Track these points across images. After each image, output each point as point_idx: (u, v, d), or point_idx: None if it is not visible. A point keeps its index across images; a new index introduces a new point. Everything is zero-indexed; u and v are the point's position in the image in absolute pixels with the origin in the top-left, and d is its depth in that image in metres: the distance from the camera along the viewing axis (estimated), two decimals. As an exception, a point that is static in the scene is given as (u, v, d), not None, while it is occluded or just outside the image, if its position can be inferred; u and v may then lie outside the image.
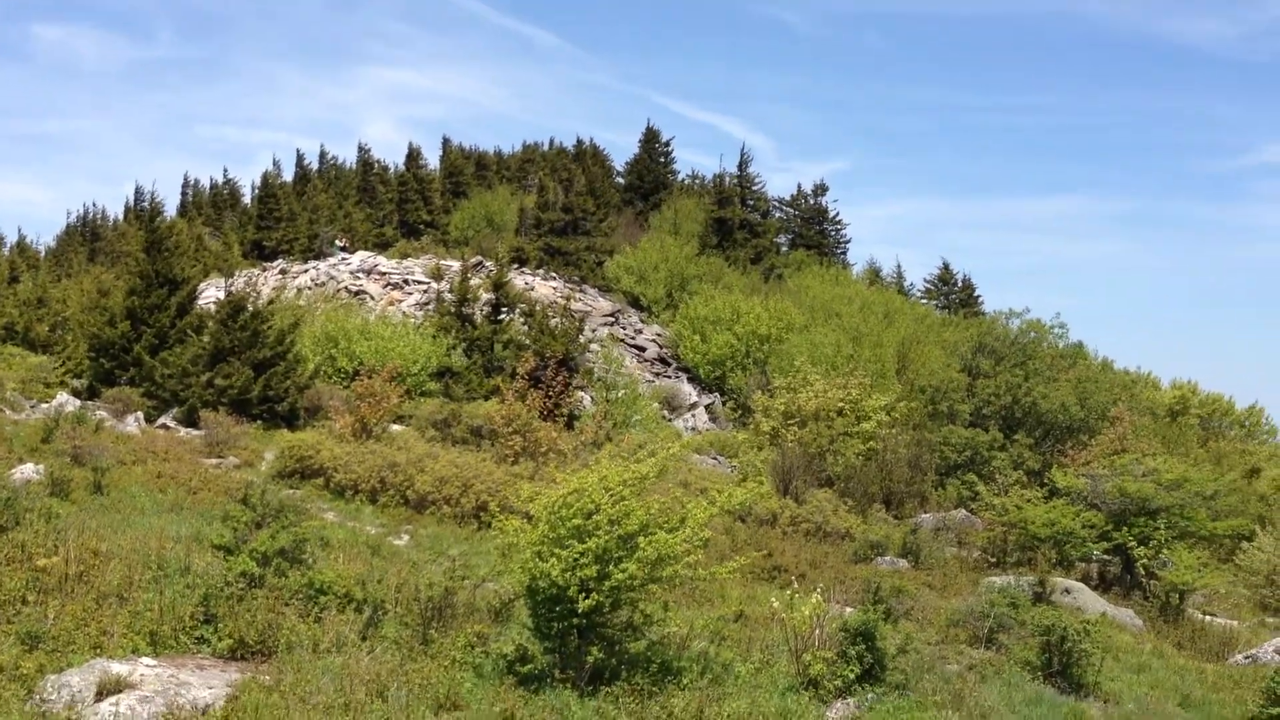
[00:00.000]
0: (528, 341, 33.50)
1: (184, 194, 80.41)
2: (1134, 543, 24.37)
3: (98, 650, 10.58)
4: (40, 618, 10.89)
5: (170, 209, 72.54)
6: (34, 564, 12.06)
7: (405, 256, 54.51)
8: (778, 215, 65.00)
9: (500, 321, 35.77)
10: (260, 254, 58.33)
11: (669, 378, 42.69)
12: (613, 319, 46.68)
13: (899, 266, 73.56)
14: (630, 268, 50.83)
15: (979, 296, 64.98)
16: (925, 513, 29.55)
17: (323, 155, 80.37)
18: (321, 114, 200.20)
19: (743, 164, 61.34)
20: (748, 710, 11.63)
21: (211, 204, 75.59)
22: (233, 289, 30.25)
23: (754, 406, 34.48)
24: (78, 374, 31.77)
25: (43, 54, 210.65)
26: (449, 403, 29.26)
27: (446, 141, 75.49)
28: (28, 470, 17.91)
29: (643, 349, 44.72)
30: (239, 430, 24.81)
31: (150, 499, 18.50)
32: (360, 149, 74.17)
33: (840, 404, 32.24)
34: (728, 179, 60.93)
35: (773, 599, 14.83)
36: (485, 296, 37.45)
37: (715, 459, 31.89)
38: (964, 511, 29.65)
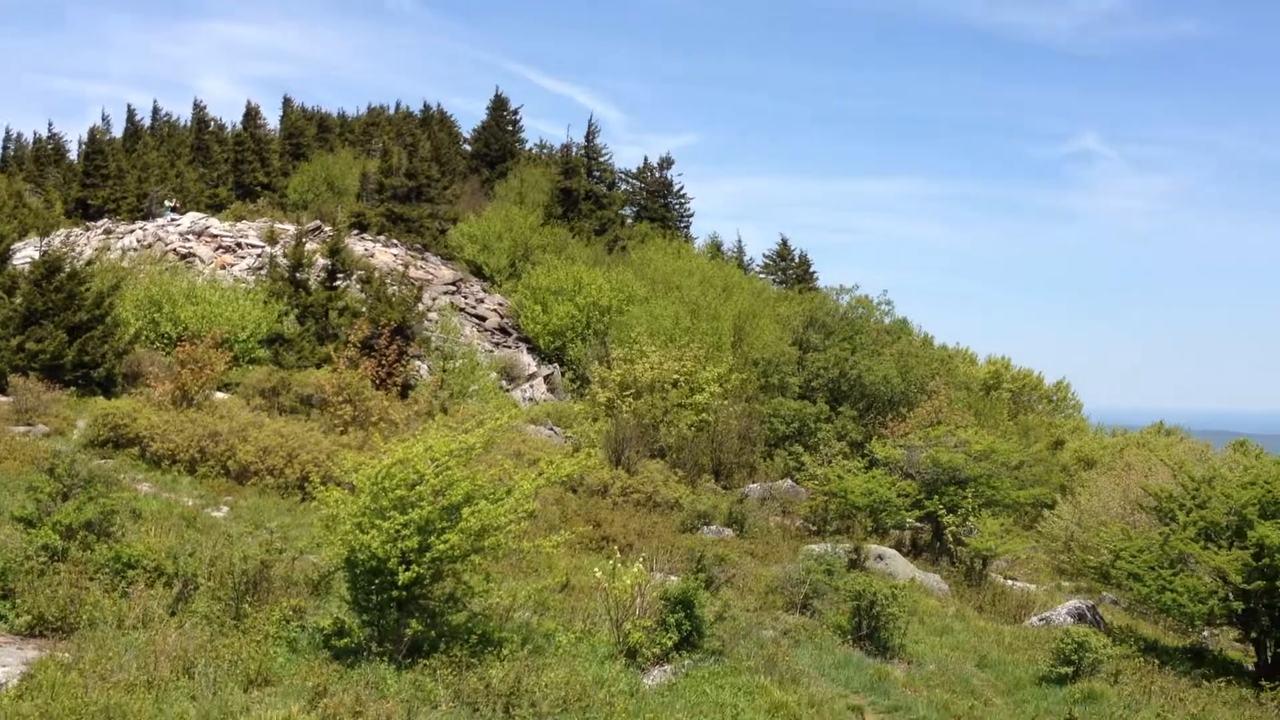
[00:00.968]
0: (364, 309, 32.81)
1: (4, 148, 76.07)
2: (944, 511, 25.37)
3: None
4: None
5: (-12, 163, 68.56)
6: None
7: (240, 219, 52.62)
8: (624, 188, 65.12)
9: (336, 288, 34.93)
10: (85, 213, 55.62)
11: (509, 348, 42.45)
12: (454, 288, 46.10)
13: (740, 241, 74.87)
14: (474, 236, 50.26)
15: (815, 272, 66.51)
16: (753, 483, 30.15)
17: (155, 112, 77.17)
18: (156, 68, 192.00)
19: (590, 135, 61.25)
20: (565, 679, 11.68)
21: (34, 159, 71.66)
22: (49, 248, 28.71)
23: (591, 377, 34.58)
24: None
25: None
26: (278, 370, 28.43)
27: (288, 101, 73.14)
28: None
29: (483, 318, 44.33)
30: (50, 397, 23.59)
31: (-50, 469, 17.50)
32: (196, 106, 71.14)
33: (675, 376, 32.60)
34: (575, 150, 60.71)
35: (597, 569, 14.92)
36: (321, 262, 36.49)
37: (551, 430, 31.87)
38: (790, 482, 30.37)
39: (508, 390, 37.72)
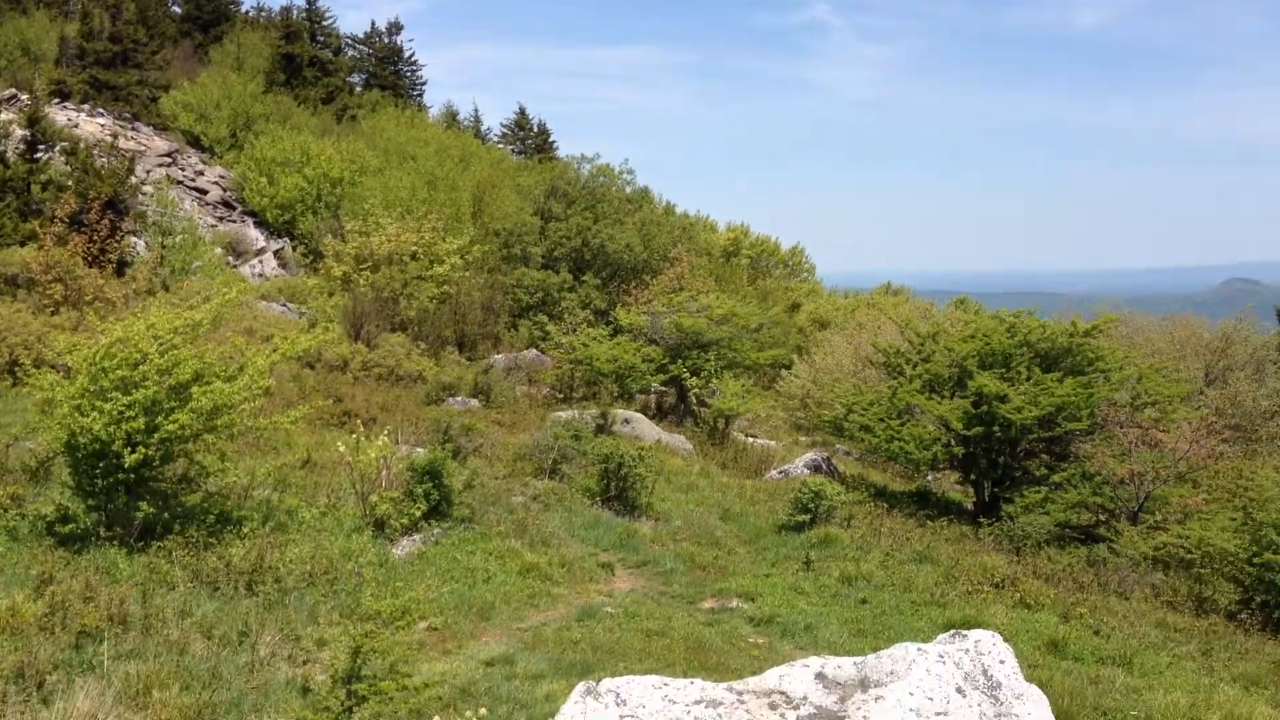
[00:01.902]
0: (70, 183, 30.45)
1: None
2: (687, 374, 26.28)
3: None
4: None
5: None
6: None
7: (-83, 86, 47.40)
8: (351, 54, 62.49)
9: (37, 160, 32.16)
10: None
11: (234, 222, 40.47)
12: (170, 159, 43.30)
13: (476, 111, 73.33)
14: (189, 105, 47.20)
15: (554, 142, 66.24)
16: (499, 354, 30.25)
17: None
18: None
19: (311, -3, 58.20)
20: (310, 554, 11.60)
21: None
22: None
23: (325, 252, 33.53)
24: None
25: None
26: (-25, 250, 26.15)
27: (-35, -45, 65.68)
28: None
29: (205, 192, 41.96)
30: None
31: None
32: None
33: (414, 248, 32.00)
34: (296, 13, 57.62)
35: (339, 444, 14.73)
36: (19, 133, 33.44)
37: (284, 306, 30.82)
38: (535, 351, 30.63)
39: (235, 267, 36.09)
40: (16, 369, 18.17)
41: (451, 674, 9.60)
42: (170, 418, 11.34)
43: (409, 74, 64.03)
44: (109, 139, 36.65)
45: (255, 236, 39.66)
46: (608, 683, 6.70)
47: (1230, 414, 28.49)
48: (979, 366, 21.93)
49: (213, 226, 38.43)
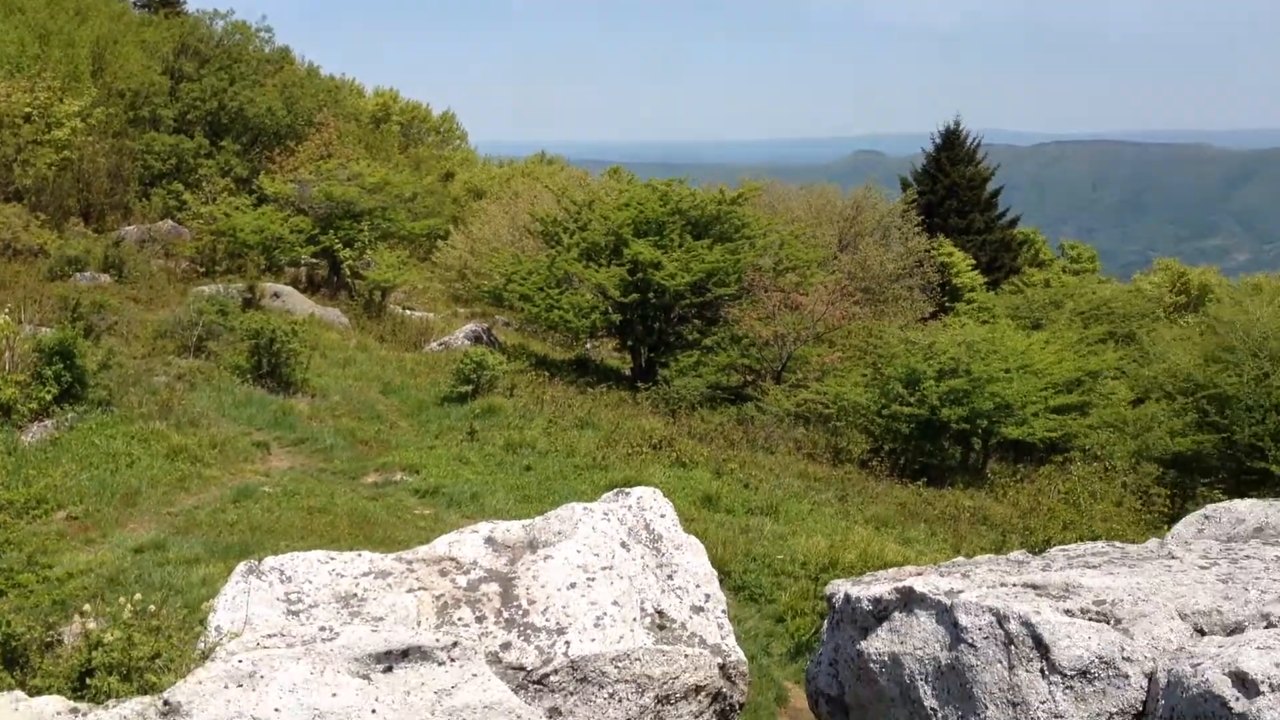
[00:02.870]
0: None
1: None
2: (340, 245, 25.54)
3: None
4: None
5: None
6: None
7: None
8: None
9: None
10: None
11: None
12: None
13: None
14: None
15: (181, -6, 61.22)
16: (130, 225, 28.21)
17: None
18: None
19: None
20: (-78, 447, 10.60)
21: None
22: None
23: (-87, 110, 29.73)
24: None
25: None
26: None
27: None
28: None
29: None
30: None
31: None
32: None
33: (27, 109, 28.99)
34: None
35: (-53, 325, 13.37)
36: None
37: None
38: (171, 222, 28.77)
39: None
40: None
41: (97, 563, 9.14)
42: None
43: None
44: None
45: None
46: (270, 561, 6.60)
47: (861, 277, 30.97)
48: (634, 234, 22.64)
49: None
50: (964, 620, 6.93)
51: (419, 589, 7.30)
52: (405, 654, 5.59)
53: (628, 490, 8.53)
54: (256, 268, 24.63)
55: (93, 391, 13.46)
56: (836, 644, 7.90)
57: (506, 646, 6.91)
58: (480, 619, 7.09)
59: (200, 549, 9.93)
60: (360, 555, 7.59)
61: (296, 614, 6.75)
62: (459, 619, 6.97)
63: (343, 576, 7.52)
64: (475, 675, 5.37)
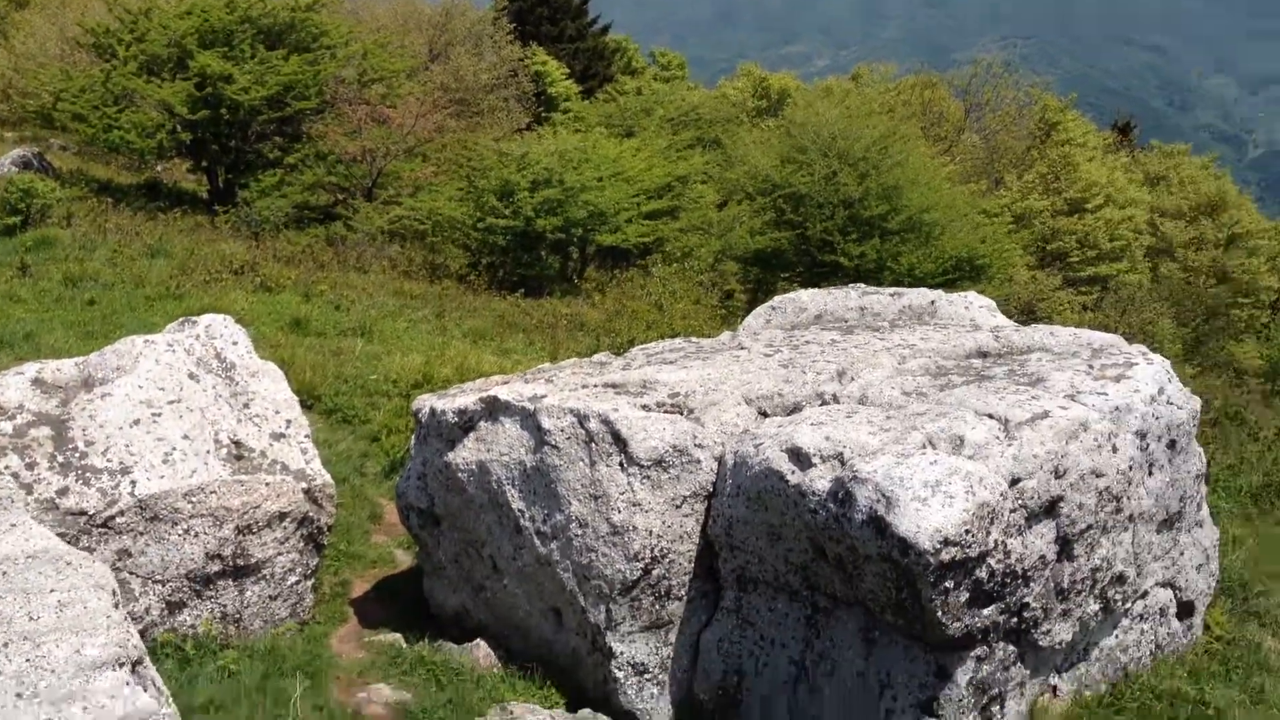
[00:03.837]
0: None
1: None
2: None
3: None
4: None
5: None
6: None
7: None
8: None
9: None
10: None
11: None
12: None
13: None
14: None
15: None
16: None
17: None
18: None
19: None
20: None
21: None
22: None
23: None
24: None
25: None
26: None
27: None
28: None
29: None
30: None
31: None
32: None
33: None
34: None
35: None
36: None
37: None
38: None
39: None
40: None
41: None
42: None
43: None
44: None
45: None
46: None
47: (454, 88, 30.50)
48: (200, 45, 21.09)
49: None
50: (547, 423, 7.24)
51: (-51, 441, 6.73)
52: (-76, 511, 5.19)
53: (194, 319, 8.14)
54: None
55: None
56: (424, 458, 8.04)
57: (64, 492, 6.54)
58: (31, 465, 6.64)
59: None
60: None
61: None
62: (6, 468, 6.49)
63: None
64: (14, 525, 5.02)
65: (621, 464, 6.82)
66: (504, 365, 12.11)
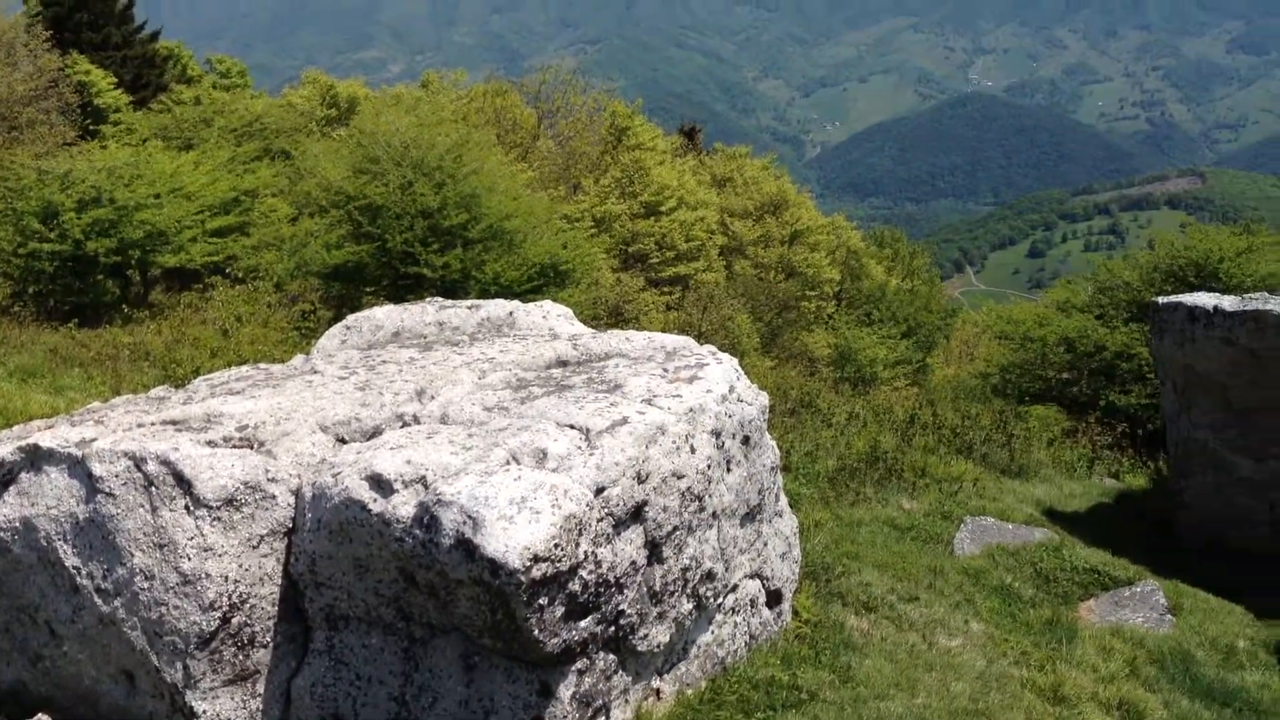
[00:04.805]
0: None
1: None
2: None
3: None
4: None
5: None
6: None
7: None
8: None
9: None
10: None
11: None
12: None
13: None
14: None
15: None
16: None
17: None
18: None
19: None
20: None
21: None
22: None
23: None
24: None
25: None
26: None
27: None
28: None
29: None
30: None
31: None
32: None
33: None
34: None
35: None
36: None
37: None
38: None
39: None
40: None
41: None
42: None
43: None
44: None
45: None
46: None
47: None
48: None
49: None
50: (98, 469, 6.64)
51: None
52: None
53: None
54: None
55: None
56: (-46, 521, 7.15)
57: None
58: None
59: None
60: None
61: None
62: None
63: None
64: None
65: (188, 507, 6.40)
66: (58, 405, 11.15)
